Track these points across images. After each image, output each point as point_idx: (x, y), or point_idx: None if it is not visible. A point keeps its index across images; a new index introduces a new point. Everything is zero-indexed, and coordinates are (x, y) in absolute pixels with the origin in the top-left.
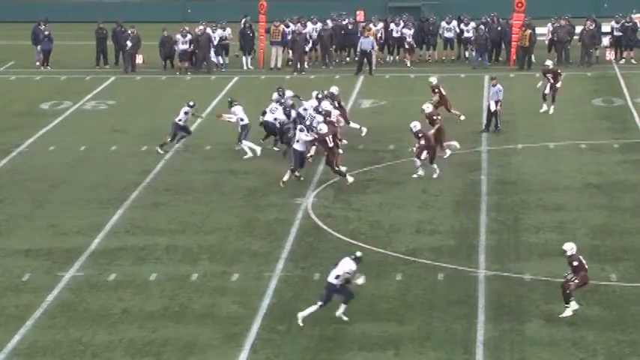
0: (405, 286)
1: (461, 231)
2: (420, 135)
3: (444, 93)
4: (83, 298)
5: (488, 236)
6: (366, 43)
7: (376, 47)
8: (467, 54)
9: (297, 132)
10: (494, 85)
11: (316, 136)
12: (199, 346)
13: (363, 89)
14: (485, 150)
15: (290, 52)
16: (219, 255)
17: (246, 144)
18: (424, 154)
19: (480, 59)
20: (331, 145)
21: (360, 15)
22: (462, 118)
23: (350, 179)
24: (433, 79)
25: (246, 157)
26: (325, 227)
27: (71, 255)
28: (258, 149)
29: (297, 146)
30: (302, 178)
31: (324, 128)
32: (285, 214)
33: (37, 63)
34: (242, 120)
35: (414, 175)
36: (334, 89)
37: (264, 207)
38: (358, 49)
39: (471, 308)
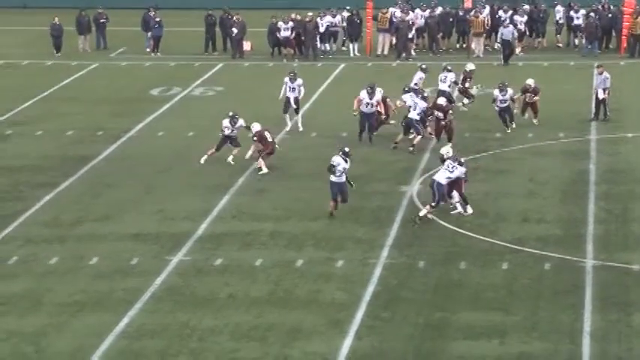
0: (511, 276)
1: (568, 220)
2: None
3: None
4: (190, 283)
5: (596, 226)
6: (506, 32)
7: (516, 35)
8: (576, 41)
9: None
10: (600, 74)
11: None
12: (304, 332)
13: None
14: (594, 139)
15: (394, 38)
16: (323, 241)
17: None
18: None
19: (589, 47)
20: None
21: (469, 1)
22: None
23: (469, 210)
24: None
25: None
26: (430, 215)
27: (178, 240)
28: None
29: (440, 179)
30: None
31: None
32: (389, 202)
33: (148, 49)
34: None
35: (453, 212)
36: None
37: (368, 194)
38: (499, 39)
39: (578, 298)
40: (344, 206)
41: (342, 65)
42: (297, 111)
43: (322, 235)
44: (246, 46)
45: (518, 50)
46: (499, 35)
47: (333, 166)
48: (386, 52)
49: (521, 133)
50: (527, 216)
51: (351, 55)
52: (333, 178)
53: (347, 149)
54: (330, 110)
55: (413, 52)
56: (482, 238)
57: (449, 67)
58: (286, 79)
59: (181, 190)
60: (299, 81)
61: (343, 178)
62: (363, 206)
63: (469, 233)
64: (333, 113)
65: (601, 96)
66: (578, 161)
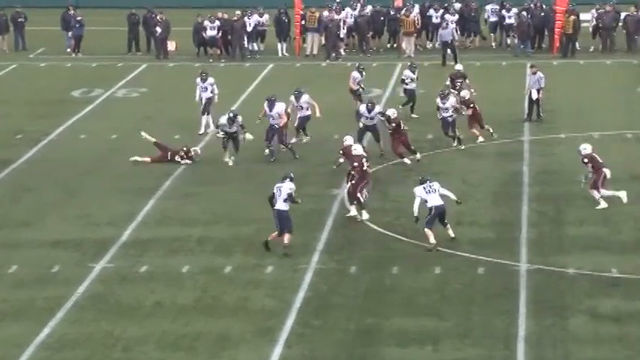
0: (444, 280)
1: (502, 223)
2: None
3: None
4: (114, 291)
5: (530, 229)
6: (445, 34)
7: (457, 37)
8: (509, 41)
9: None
10: (534, 73)
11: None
12: (232, 340)
13: (400, 77)
14: (527, 139)
15: (323, 38)
16: (253, 247)
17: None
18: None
19: (522, 46)
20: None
21: (399, 0)
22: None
23: (365, 216)
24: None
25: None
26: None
27: (102, 246)
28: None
29: (439, 202)
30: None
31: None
32: (320, 205)
33: (68, 49)
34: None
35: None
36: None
37: (299, 197)
38: (438, 41)
39: (512, 303)
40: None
41: (271, 65)
42: (206, 111)
43: (251, 240)
44: (171, 46)
45: (449, 50)
46: (438, 37)
47: (273, 196)
48: (315, 52)
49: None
50: (460, 219)
51: (280, 55)
52: (283, 206)
53: (292, 175)
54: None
55: (342, 52)
56: (414, 241)
57: (414, 65)
58: (197, 79)
59: (104, 194)
60: (210, 80)
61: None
62: (292, 210)
63: (401, 237)
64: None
65: (535, 96)
66: (511, 163)
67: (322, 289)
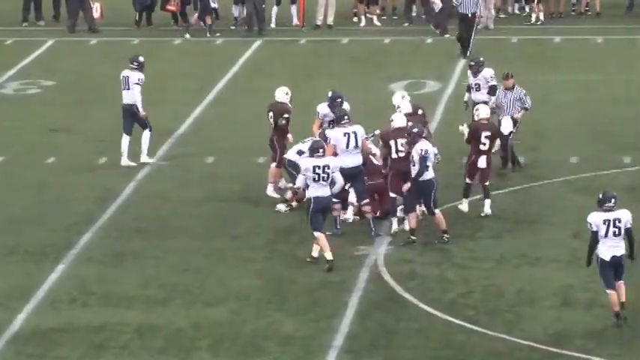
0: None
1: (636, 302)
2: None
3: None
4: None
5: None
6: None
7: None
8: None
9: None
10: (508, 88)
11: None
12: None
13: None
14: None
15: None
16: (227, 341)
17: None
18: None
19: None
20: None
21: None
22: None
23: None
24: (399, 97)
25: None
26: (407, 295)
27: None
28: None
29: None
30: None
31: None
32: (339, 274)
33: None
34: None
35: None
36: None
37: (303, 260)
38: None
39: None
40: (264, 283)
41: (259, 43)
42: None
43: (226, 329)
44: (94, 11)
45: (541, 16)
46: None
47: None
48: (331, 21)
49: (560, 157)
50: (570, 296)
51: (273, 25)
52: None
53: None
54: (238, 121)
55: (376, 20)
56: (494, 333)
57: (473, 61)
58: (129, 73)
59: None
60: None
61: None
62: (293, 280)
63: (473, 326)
64: (242, 126)
65: (506, 128)
66: None
67: None
